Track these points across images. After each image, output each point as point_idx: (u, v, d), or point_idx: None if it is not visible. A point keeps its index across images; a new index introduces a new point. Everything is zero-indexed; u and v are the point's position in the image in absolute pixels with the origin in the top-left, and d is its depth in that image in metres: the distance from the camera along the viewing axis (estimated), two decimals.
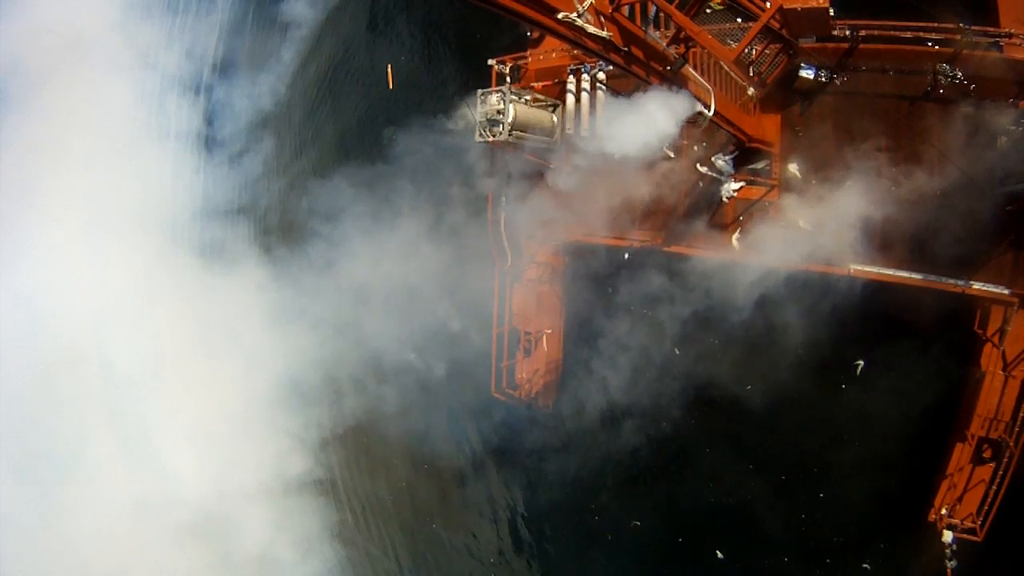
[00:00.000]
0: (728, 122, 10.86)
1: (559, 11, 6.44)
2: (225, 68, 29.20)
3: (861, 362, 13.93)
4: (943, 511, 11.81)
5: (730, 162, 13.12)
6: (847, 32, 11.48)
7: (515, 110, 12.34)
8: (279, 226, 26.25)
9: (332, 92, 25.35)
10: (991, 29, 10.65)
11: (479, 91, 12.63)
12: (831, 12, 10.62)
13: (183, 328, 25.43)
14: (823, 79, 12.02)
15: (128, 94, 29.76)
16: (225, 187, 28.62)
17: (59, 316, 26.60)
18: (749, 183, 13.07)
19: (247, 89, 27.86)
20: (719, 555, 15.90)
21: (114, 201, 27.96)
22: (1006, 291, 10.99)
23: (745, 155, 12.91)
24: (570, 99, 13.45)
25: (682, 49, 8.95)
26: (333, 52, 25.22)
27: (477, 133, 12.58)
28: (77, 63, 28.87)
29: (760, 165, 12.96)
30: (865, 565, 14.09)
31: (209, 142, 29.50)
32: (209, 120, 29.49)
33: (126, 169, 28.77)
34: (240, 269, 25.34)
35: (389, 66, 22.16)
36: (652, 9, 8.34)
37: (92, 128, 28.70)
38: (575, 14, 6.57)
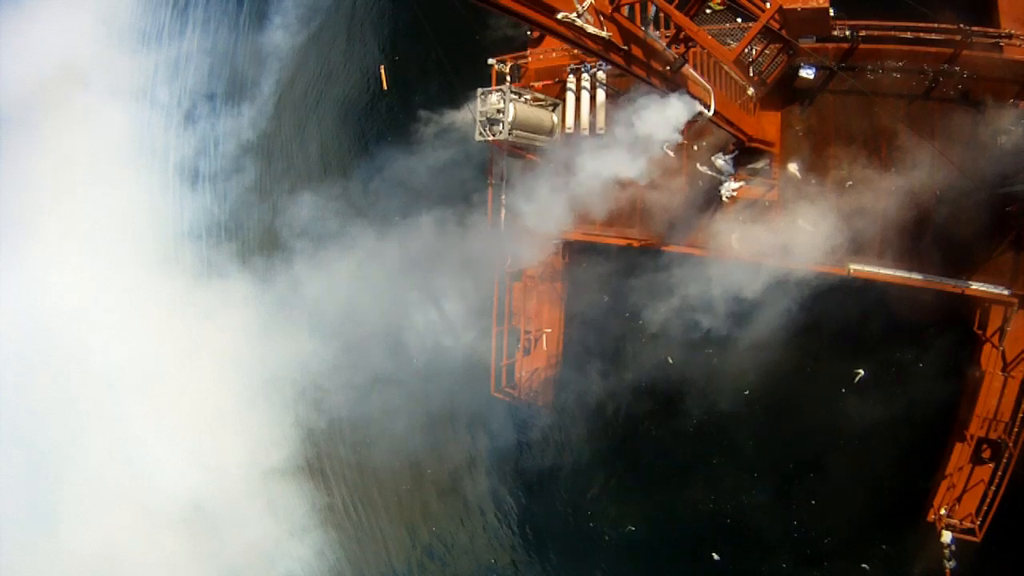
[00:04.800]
0: (728, 122, 10.85)
1: (559, 11, 6.43)
2: (212, 97, 29.96)
3: (861, 371, 13.92)
4: (942, 511, 11.81)
5: (730, 162, 13.11)
6: (847, 32, 11.47)
7: (515, 109, 12.34)
8: (265, 241, 26.73)
9: (319, 109, 25.78)
10: (991, 30, 10.64)
11: (479, 90, 12.63)
12: (831, 12, 10.61)
13: (174, 334, 25.96)
14: (823, 78, 12.04)
15: (119, 121, 30.96)
16: (211, 208, 29.54)
17: (57, 324, 27.42)
18: (749, 183, 13.06)
19: (233, 115, 28.56)
20: (715, 557, 15.90)
21: (107, 221, 29.09)
22: (1006, 291, 10.99)
23: (745, 155, 12.91)
24: (570, 98, 13.45)
25: (682, 49, 8.94)
26: (317, 71, 25.70)
27: (477, 132, 12.58)
28: (71, 90, 30.05)
29: (760, 165, 12.95)
30: (864, 566, 14.08)
31: (197, 166, 30.42)
32: (197, 145, 30.41)
33: (118, 191, 30.02)
34: (229, 280, 25.85)
35: (382, 67, 22.21)
36: (652, 9, 8.33)
37: (87, 152, 29.78)
38: (575, 14, 6.55)
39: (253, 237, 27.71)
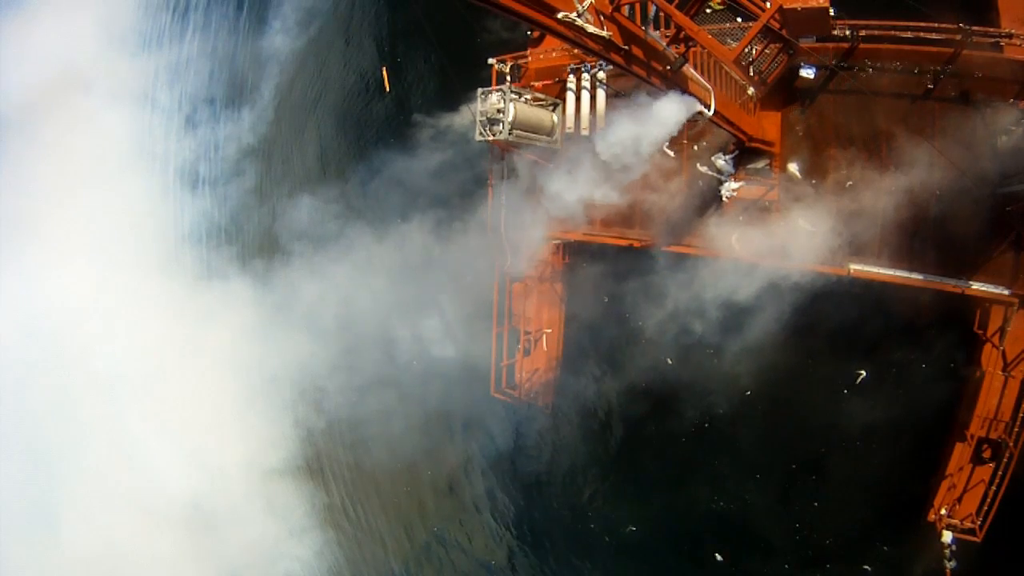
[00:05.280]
0: (728, 122, 10.84)
1: (559, 11, 6.42)
2: (212, 101, 30.29)
3: (863, 372, 13.90)
4: (943, 511, 11.80)
5: (730, 162, 13.10)
6: (847, 32, 11.46)
7: (515, 109, 12.30)
8: (265, 244, 26.90)
9: (318, 112, 25.92)
10: (991, 29, 10.62)
11: (479, 90, 12.60)
12: (831, 12, 10.60)
13: (174, 335, 26.11)
14: (823, 78, 12.04)
15: (120, 125, 31.38)
16: (212, 212, 29.93)
17: (58, 325, 27.66)
18: (749, 183, 13.05)
19: (233, 119, 28.76)
20: (718, 558, 15.87)
21: (108, 224, 29.47)
22: (1006, 291, 10.98)
23: (745, 155, 12.90)
24: (570, 98, 13.43)
25: (682, 49, 8.93)
26: (316, 74, 25.86)
27: (477, 132, 12.55)
28: (73, 94, 30.45)
29: (760, 165, 12.94)
30: (866, 567, 14.06)
31: (197, 169, 30.82)
32: (197, 149, 30.80)
33: (119, 194, 30.49)
34: (229, 282, 25.99)
35: (384, 69, 22.24)
36: (652, 9, 8.32)
37: (88, 155, 30.11)
38: (575, 14, 6.54)
39: (253, 240, 27.84)
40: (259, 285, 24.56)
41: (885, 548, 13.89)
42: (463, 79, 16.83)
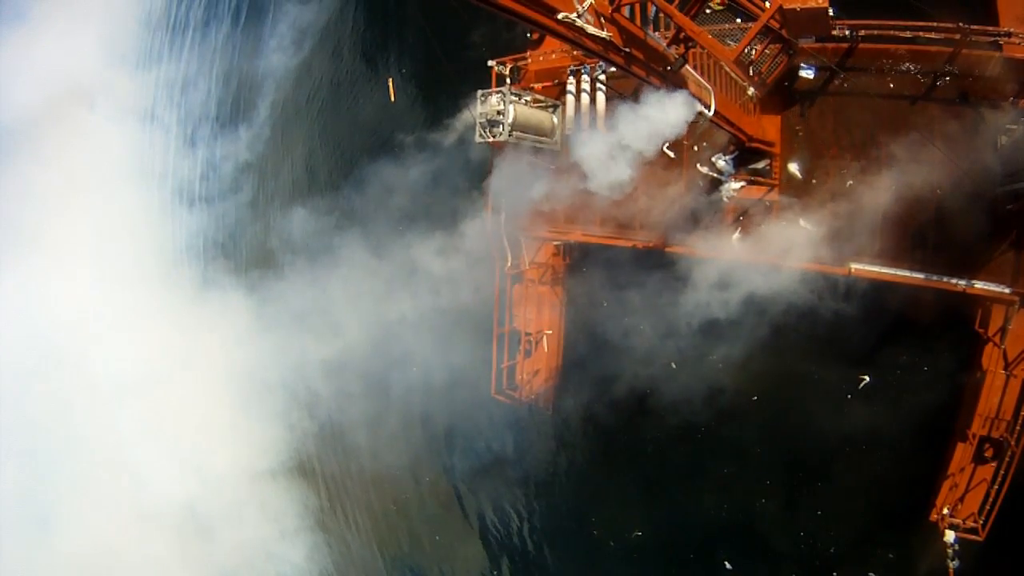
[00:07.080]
0: (728, 122, 10.85)
1: (559, 11, 6.42)
2: (210, 118, 30.70)
3: (866, 377, 13.87)
4: (945, 511, 11.78)
5: (730, 162, 13.11)
6: (847, 32, 11.48)
7: (515, 111, 12.31)
8: (261, 255, 27.09)
9: (315, 126, 26.11)
10: (991, 28, 10.64)
11: (479, 92, 12.61)
12: (831, 12, 10.61)
13: (171, 343, 26.30)
14: (823, 78, 12.05)
15: (122, 140, 32.01)
16: (209, 225, 30.26)
17: (58, 333, 27.92)
18: (749, 183, 13.05)
19: (231, 136, 29.12)
20: (727, 566, 15.77)
21: (108, 236, 29.83)
22: (1007, 290, 10.97)
23: (745, 155, 12.91)
24: (570, 100, 13.43)
25: (682, 49, 8.94)
26: (313, 89, 26.03)
27: (477, 134, 12.56)
28: (77, 110, 30.93)
29: (760, 165, 12.95)
30: (871, 574, 14.01)
31: (196, 184, 31.23)
32: (196, 165, 31.28)
33: (120, 207, 31.04)
34: (226, 292, 26.20)
35: (390, 80, 22.35)
36: (652, 9, 8.33)
37: (90, 169, 30.52)
38: (575, 14, 6.55)
39: (249, 252, 27.98)
40: (254, 294, 24.67)
41: (890, 555, 13.83)
42: (458, 90, 16.85)
